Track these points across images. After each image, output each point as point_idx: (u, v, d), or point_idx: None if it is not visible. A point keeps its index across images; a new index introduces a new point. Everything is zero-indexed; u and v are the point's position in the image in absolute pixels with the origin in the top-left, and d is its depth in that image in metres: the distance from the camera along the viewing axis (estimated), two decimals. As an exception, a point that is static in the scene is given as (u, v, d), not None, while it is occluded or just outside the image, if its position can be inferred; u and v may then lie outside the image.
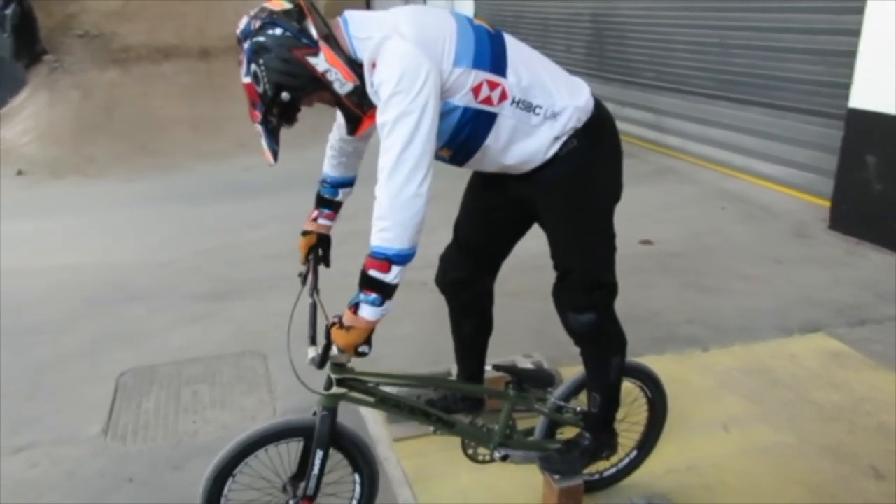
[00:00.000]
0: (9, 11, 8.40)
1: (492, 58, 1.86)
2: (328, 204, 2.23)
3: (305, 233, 2.23)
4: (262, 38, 1.74)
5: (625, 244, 4.68)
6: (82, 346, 3.61)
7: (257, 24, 1.76)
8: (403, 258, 1.73)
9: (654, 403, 2.37)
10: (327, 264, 2.25)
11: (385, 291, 1.75)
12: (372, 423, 2.77)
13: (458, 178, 2.37)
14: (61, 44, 8.97)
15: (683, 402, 2.83)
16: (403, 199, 1.70)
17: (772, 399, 2.93)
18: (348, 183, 2.24)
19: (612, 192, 2.13)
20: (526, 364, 2.90)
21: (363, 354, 1.82)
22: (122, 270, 4.64)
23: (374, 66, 1.78)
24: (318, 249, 2.22)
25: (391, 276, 1.73)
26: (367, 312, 1.76)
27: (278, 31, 1.74)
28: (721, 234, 4.97)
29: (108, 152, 7.58)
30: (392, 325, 3.26)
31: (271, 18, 1.75)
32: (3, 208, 6.10)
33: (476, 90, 1.84)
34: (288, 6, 1.79)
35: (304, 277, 2.17)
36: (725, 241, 4.81)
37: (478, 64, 1.83)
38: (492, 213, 2.25)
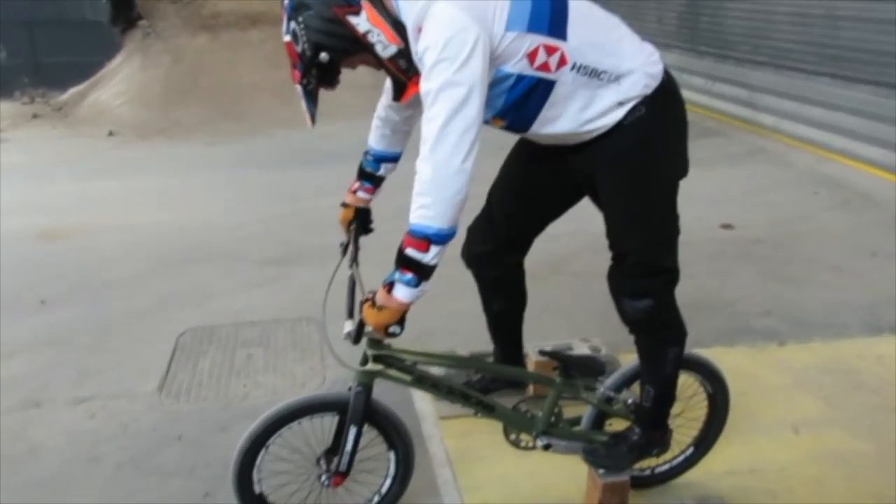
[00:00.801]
0: (108, -22, 8.72)
1: (550, 19, 1.72)
2: (369, 178, 2.15)
3: (345, 205, 2.16)
4: None
5: (703, 228, 4.53)
6: (151, 303, 3.71)
7: None
8: (443, 238, 1.64)
9: (715, 400, 2.20)
10: (366, 233, 2.18)
11: (422, 272, 1.66)
12: (419, 399, 2.71)
13: (498, 156, 2.25)
14: (155, 9, 9.23)
15: (751, 400, 2.64)
16: (446, 175, 1.60)
17: (852, 403, 2.68)
18: (392, 158, 2.15)
19: (679, 168, 1.96)
20: (583, 348, 2.76)
21: (394, 335, 1.75)
22: (195, 231, 4.75)
23: (419, 30, 1.67)
24: (358, 222, 2.15)
25: (429, 257, 1.64)
26: (401, 293, 1.68)
27: None
28: (812, 221, 4.63)
29: (194, 116, 7.79)
30: (451, 299, 3.20)
31: None
32: (92, 167, 6.38)
33: (531, 56, 1.71)
34: None
35: (343, 249, 2.11)
36: (816, 229, 4.47)
37: (533, 27, 1.69)
38: (534, 184, 2.11)
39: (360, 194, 2.16)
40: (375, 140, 2.13)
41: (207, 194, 5.63)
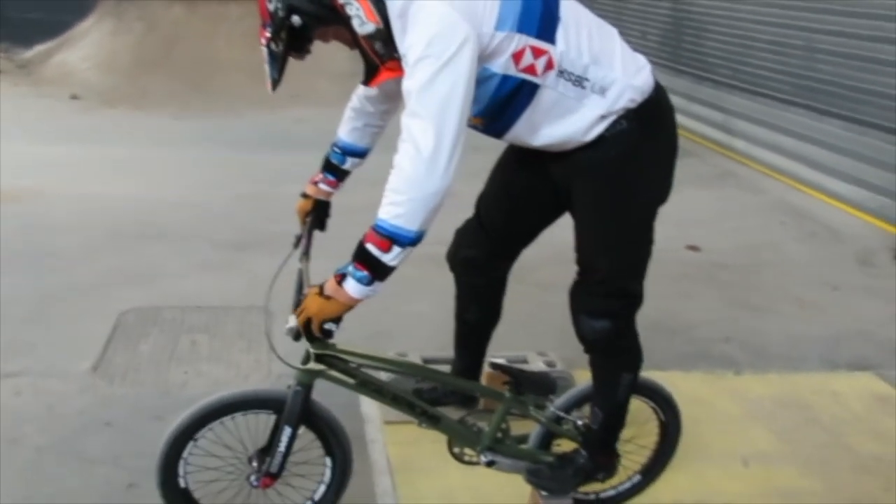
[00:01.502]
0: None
1: (540, 21, 1.64)
2: (333, 170, 2.05)
3: (304, 195, 2.05)
4: None
5: (669, 247, 4.48)
6: (95, 278, 3.55)
7: None
8: (409, 240, 1.54)
9: (667, 428, 2.14)
10: (322, 229, 2.07)
11: (378, 271, 1.56)
12: (365, 401, 2.61)
13: (495, 154, 2.17)
14: (132, -26, 8.97)
15: (703, 428, 2.59)
16: (427, 175, 1.51)
17: (804, 438, 2.65)
18: (360, 153, 2.04)
19: (659, 190, 1.88)
20: (538, 362, 2.69)
21: (327, 333, 1.64)
22: (152, 207, 4.58)
23: (403, 20, 1.57)
24: (315, 215, 2.04)
25: (390, 257, 1.55)
26: (351, 288, 1.58)
27: None
28: (778, 250, 4.63)
29: (163, 87, 7.55)
30: (409, 300, 3.10)
31: None
32: (51, 130, 6.14)
33: (517, 57, 1.63)
34: None
35: (296, 241, 2.00)
36: (781, 259, 4.47)
37: (523, 28, 1.62)
38: (522, 193, 2.03)
39: (322, 186, 2.05)
40: (346, 132, 2.03)
41: (169, 169, 5.44)
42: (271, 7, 1.58)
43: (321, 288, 1.62)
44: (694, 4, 7.72)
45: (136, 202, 4.64)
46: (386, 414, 2.53)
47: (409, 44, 1.55)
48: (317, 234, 2.07)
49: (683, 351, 3.24)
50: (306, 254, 1.93)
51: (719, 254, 4.43)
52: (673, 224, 5.08)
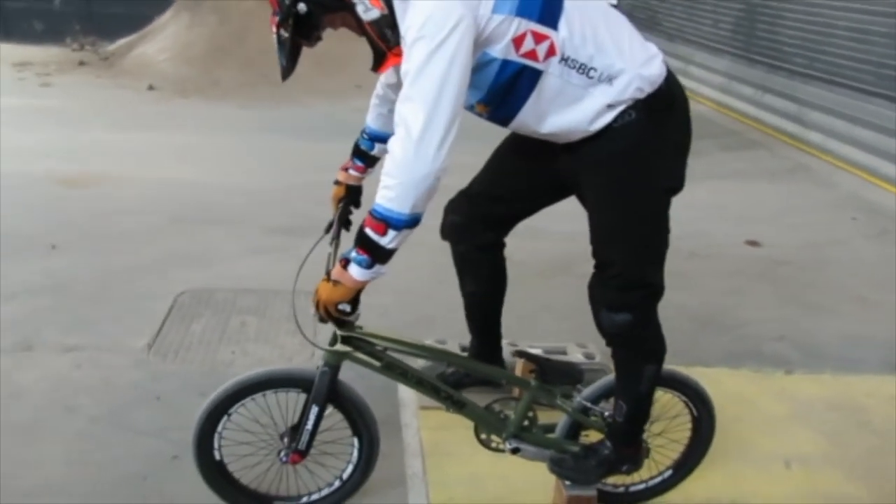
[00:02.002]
0: (164, -67, 8.76)
1: (542, 6, 1.63)
2: (362, 156, 2.10)
3: (337, 182, 2.10)
4: None
5: (727, 242, 4.37)
6: (156, 259, 3.71)
7: None
8: (403, 223, 1.56)
9: (700, 423, 2.09)
10: (357, 206, 2.12)
11: (377, 254, 1.60)
12: (402, 386, 2.64)
13: (490, 145, 2.17)
14: (209, -31, 9.26)
15: (745, 427, 2.53)
16: (415, 158, 1.52)
17: (854, 442, 2.54)
18: (386, 139, 2.06)
19: (671, 181, 1.85)
20: (577, 354, 2.68)
21: (343, 313, 1.68)
22: (212, 192, 4.75)
23: (404, 5, 1.59)
24: (348, 200, 2.08)
25: (386, 240, 1.57)
26: (354, 271, 1.62)
27: None
28: (844, 247, 4.42)
29: (233, 78, 7.79)
30: (452, 286, 3.14)
31: None
32: (126, 119, 6.43)
33: (517, 41, 1.62)
34: None
35: (328, 226, 2.05)
36: (847, 256, 4.27)
37: (523, 12, 1.60)
38: (520, 172, 2.04)
39: (352, 172, 2.12)
40: (372, 119, 2.07)
41: (232, 156, 5.62)
42: None
43: (329, 274, 1.66)
44: (769, -10, 7.43)
45: (199, 187, 4.82)
46: (421, 399, 2.56)
47: (406, 25, 1.56)
48: (355, 219, 2.12)
49: (732, 348, 3.15)
50: (336, 238, 1.98)
51: (781, 249, 4.27)
52: (734, 218, 4.98)
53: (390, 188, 1.55)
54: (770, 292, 3.73)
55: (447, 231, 2.22)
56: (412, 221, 1.58)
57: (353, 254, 1.62)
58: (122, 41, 9.15)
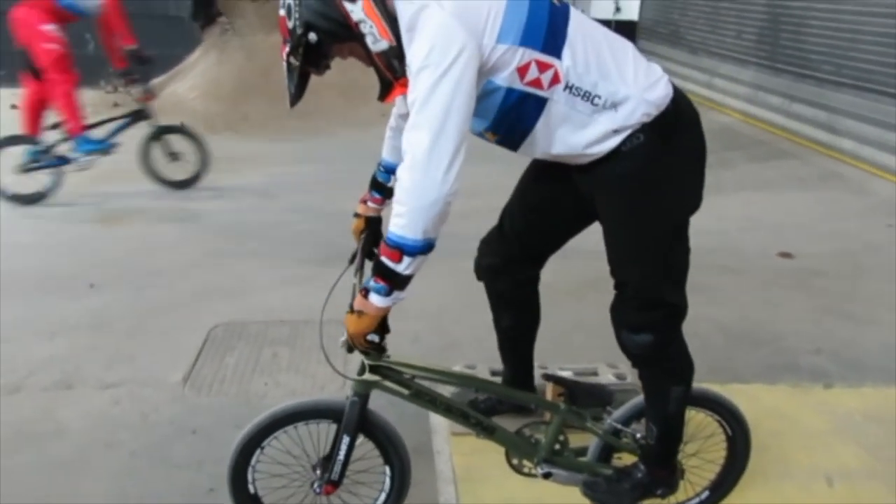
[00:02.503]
0: (191, -25, 9.02)
1: (546, 35, 1.65)
2: (379, 188, 2.13)
3: (356, 215, 2.14)
4: None
5: (759, 254, 4.31)
6: (192, 293, 3.79)
7: None
8: (416, 249, 1.58)
9: (735, 442, 2.06)
10: (377, 244, 2.14)
11: (394, 282, 1.62)
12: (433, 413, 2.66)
13: (517, 166, 2.18)
14: (235, 7, 9.48)
15: (785, 443, 2.48)
16: (423, 184, 1.54)
17: (898, 456, 2.48)
18: None
19: (685, 201, 1.84)
20: (608, 375, 2.66)
21: (373, 343, 1.70)
22: (245, 225, 4.84)
23: (411, 33, 1.62)
24: (369, 231, 2.12)
25: (402, 267, 1.59)
26: (375, 300, 1.65)
27: None
28: (881, 254, 4.34)
29: (261, 112, 7.94)
30: (480, 311, 3.13)
31: None
32: (160, 157, 6.58)
33: (522, 70, 1.64)
34: None
35: (351, 257, 2.08)
36: (884, 264, 4.18)
37: (527, 41, 1.63)
38: (545, 202, 2.04)
39: (371, 204, 2.15)
40: (387, 151, 2.11)
41: (264, 189, 5.73)
42: (290, 24, 1.66)
43: (351, 306, 1.69)
44: (792, -1, 7.37)
45: (232, 221, 4.92)
46: (453, 425, 2.56)
47: (412, 55, 1.59)
48: None
49: (769, 363, 3.10)
50: (361, 269, 2.00)
51: (815, 259, 4.21)
52: (766, 230, 4.91)
53: (401, 215, 1.57)
54: (805, 304, 3.67)
55: (484, 272, 2.22)
56: (426, 247, 1.59)
57: (372, 283, 1.64)
58: (154, 81, 9.39)
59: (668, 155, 1.75)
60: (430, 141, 1.54)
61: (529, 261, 2.16)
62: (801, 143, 6.90)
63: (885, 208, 5.17)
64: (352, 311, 1.69)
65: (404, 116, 2.00)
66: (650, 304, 1.81)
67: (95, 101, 9.04)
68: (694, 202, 1.83)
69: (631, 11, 12.57)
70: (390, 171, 2.10)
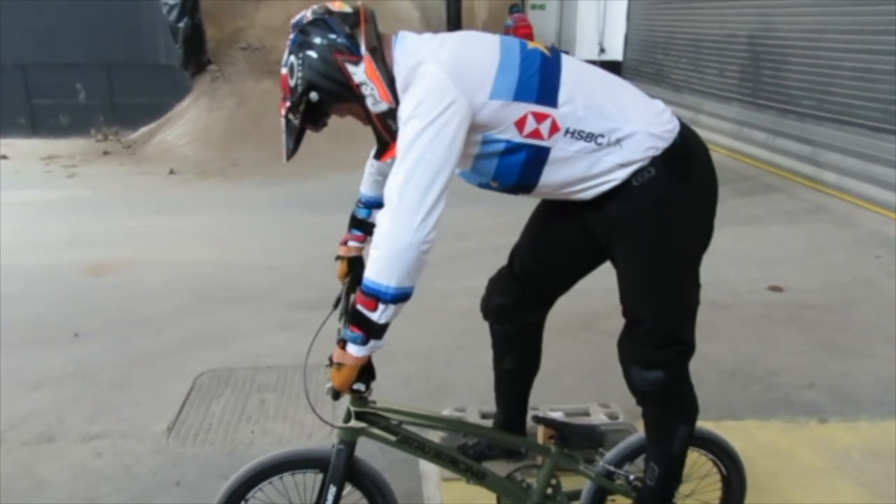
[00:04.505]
0: (182, 24, 9.12)
1: (539, 87, 1.67)
2: (360, 225, 2.11)
3: (339, 258, 2.12)
4: (308, 33, 1.68)
5: (749, 289, 4.31)
6: (178, 342, 3.74)
7: (310, 17, 1.70)
8: (392, 297, 1.56)
9: (730, 482, 2.02)
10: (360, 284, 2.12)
11: (370, 330, 1.59)
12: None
13: (526, 207, 2.17)
14: (225, 55, 9.62)
15: (783, 482, 2.44)
16: (397, 229, 1.53)
17: (897, 493, 2.44)
18: (382, 203, 2.10)
19: (700, 235, 1.84)
20: (599, 414, 2.62)
21: (359, 392, 1.67)
22: (234, 271, 4.81)
23: (405, 93, 1.64)
24: (352, 274, 2.10)
25: (377, 315, 1.57)
26: (352, 350, 1.62)
27: (327, 30, 1.67)
28: (871, 286, 4.34)
29: (251, 157, 7.99)
30: (473, 353, 3.09)
31: (324, 17, 1.69)
32: (149, 204, 6.59)
33: (520, 124, 1.66)
34: (348, 10, 1.71)
35: (336, 301, 2.06)
36: (875, 296, 4.18)
37: (520, 96, 1.65)
38: (556, 242, 2.02)
39: (352, 243, 2.13)
40: (368, 186, 2.11)
41: (253, 234, 5.72)
42: (292, 83, 1.67)
43: (331, 359, 1.66)
44: (771, 36, 7.53)
45: (220, 267, 4.88)
46: (443, 471, 2.51)
47: (403, 105, 1.61)
48: None
49: (762, 399, 3.06)
50: (345, 314, 1.98)
51: (805, 293, 4.20)
52: (755, 264, 4.92)
53: (377, 261, 1.56)
54: (797, 338, 3.65)
55: (493, 312, 2.18)
56: (399, 296, 1.57)
57: (349, 333, 1.62)
58: (144, 129, 9.45)
59: (681, 189, 1.75)
60: (411, 188, 1.53)
61: (539, 302, 2.13)
62: (787, 176, 6.97)
63: (872, 240, 5.19)
64: (331, 363, 1.66)
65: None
66: (665, 342, 1.79)
67: (86, 150, 9.10)
68: (707, 237, 1.83)
69: (615, 52, 12.81)
70: (370, 205, 2.10)
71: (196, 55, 9.38)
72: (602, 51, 13.31)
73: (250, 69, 9.57)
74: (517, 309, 2.12)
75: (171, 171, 7.75)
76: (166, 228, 5.89)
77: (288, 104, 1.70)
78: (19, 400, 3.13)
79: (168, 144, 8.67)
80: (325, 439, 2.79)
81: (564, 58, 1.75)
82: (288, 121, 1.71)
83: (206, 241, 5.55)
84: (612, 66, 11.79)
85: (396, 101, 1.66)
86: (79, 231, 5.75)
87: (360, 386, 1.66)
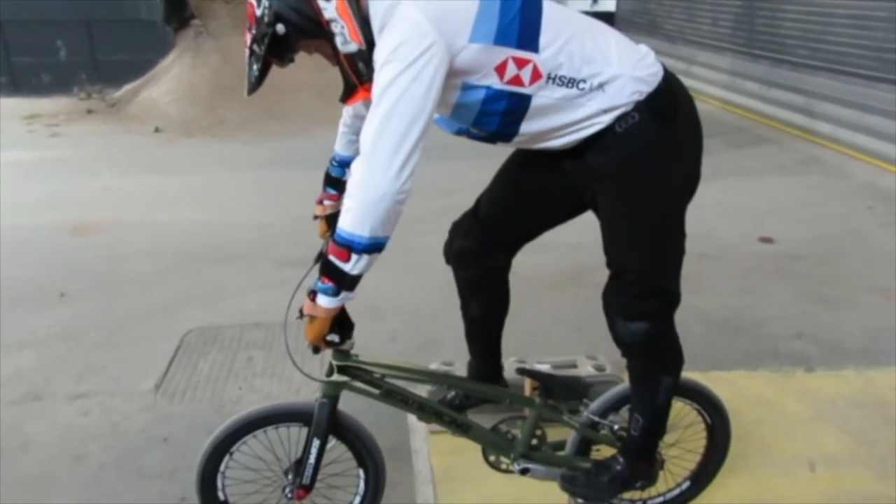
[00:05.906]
0: (162, -22, 8.90)
1: (520, 31, 1.60)
2: (334, 183, 2.07)
3: (316, 217, 2.08)
4: None
5: (739, 241, 4.29)
6: (165, 301, 3.71)
7: None
8: (363, 247, 1.52)
9: (715, 431, 2.02)
10: None
11: (342, 281, 1.56)
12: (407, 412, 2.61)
13: (495, 160, 2.12)
14: (208, 9, 9.38)
15: (767, 430, 2.45)
16: (374, 179, 1.48)
17: (880, 439, 2.45)
18: None
19: (685, 183, 1.79)
20: (587, 367, 2.61)
21: (333, 343, 1.65)
22: (220, 230, 4.76)
23: (381, 35, 1.57)
24: (332, 231, 2.06)
25: (349, 266, 1.54)
26: (323, 301, 1.59)
27: None
28: (861, 237, 4.33)
29: (237, 115, 7.86)
30: (458, 309, 3.10)
31: None
32: (134, 163, 6.49)
33: (500, 69, 1.59)
34: None
35: (317, 257, 2.02)
36: (864, 247, 4.18)
37: (500, 40, 1.58)
38: (530, 192, 1.98)
39: (326, 203, 2.09)
40: (341, 146, 2.06)
41: (240, 193, 5.65)
42: (258, 12, 1.59)
43: (300, 311, 1.63)
44: (765, -15, 7.38)
45: (207, 226, 4.83)
46: (431, 424, 2.52)
47: (379, 49, 1.54)
48: None
49: (750, 349, 3.07)
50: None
51: (795, 244, 4.19)
52: (747, 216, 4.90)
53: (349, 209, 1.52)
54: (786, 289, 3.65)
55: (455, 256, 2.14)
56: (373, 246, 1.53)
57: (319, 284, 1.59)
58: (128, 87, 9.27)
59: (667, 134, 1.70)
60: (386, 135, 1.48)
61: (502, 247, 2.09)
62: (780, 128, 6.91)
63: (864, 190, 5.17)
64: (300, 316, 1.63)
65: (360, 118, 1.94)
66: (649, 292, 1.76)
67: (69, 109, 8.94)
68: (693, 185, 1.79)
69: (608, 2, 12.57)
70: (344, 164, 2.05)
71: (178, 10, 9.16)
72: (595, 1, 13.06)
73: (234, 24, 9.33)
74: (479, 253, 2.08)
75: (157, 130, 7.63)
76: (152, 188, 5.81)
77: (252, 35, 1.63)
78: (5, 360, 3.11)
79: (152, 102, 8.52)
80: (312, 395, 2.74)
81: (545, 2, 1.69)
82: (252, 52, 1.64)
83: (192, 200, 5.48)
84: (606, 17, 11.59)
85: (368, 42, 1.59)
86: (63, 191, 5.67)
87: (333, 337, 1.65)
